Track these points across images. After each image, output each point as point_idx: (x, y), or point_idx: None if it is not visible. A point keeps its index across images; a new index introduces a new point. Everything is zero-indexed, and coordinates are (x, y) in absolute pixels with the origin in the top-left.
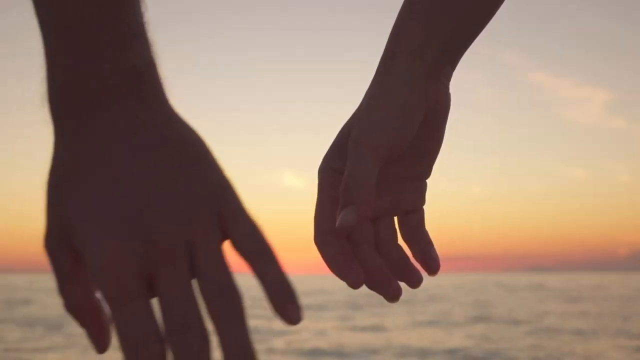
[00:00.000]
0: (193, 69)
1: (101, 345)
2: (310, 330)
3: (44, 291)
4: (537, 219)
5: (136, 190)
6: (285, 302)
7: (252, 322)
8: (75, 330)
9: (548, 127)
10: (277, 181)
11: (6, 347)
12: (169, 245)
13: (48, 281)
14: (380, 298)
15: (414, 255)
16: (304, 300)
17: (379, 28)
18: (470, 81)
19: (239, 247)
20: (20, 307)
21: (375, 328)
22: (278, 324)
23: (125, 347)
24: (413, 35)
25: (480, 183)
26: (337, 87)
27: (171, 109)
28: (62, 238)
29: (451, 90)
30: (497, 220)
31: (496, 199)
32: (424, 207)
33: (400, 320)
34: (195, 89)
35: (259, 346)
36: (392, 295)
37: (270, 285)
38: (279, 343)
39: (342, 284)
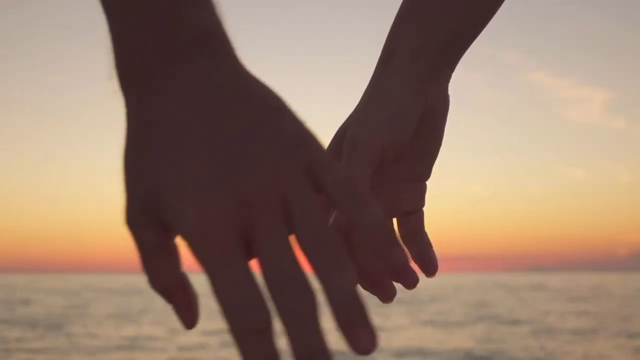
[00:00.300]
0: None
1: (190, 321)
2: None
3: (44, 291)
4: (537, 219)
5: (223, 150)
6: (385, 246)
7: None
8: (75, 331)
9: (548, 127)
10: None
11: (6, 347)
12: (264, 201)
13: (48, 281)
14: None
15: (412, 257)
16: None
17: (379, 28)
18: (470, 81)
19: (332, 192)
20: (20, 307)
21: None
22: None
23: (229, 313)
24: (411, 35)
25: (480, 183)
26: (337, 87)
27: (243, 65)
28: (148, 212)
29: (451, 91)
30: (497, 220)
31: (496, 199)
32: (424, 208)
33: (401, 320)
34: None
35: None
36: (387, 296)
37: (367, 230)
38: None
39: None
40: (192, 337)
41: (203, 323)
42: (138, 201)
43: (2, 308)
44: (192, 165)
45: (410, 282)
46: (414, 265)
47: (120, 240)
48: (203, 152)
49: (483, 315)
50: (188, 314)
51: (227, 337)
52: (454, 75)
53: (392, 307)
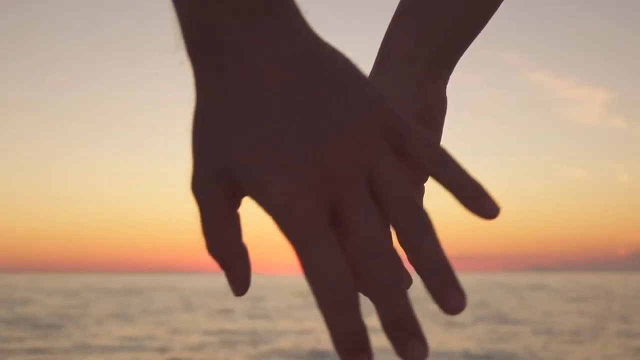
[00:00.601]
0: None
1: (240, 289)
2: (312, 331)
3: (44, 291)
4: (537, 219)
5: (305, 123)
6: (477, 196)
7: (253, 323)
8: (76, 331)
9: (548, 127)
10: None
11: (6, 348)
12: (349, 173)
13: (48, 281)
14: None
15: (408, 259)
16: (305, 300)
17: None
18: (470, 82)
19: (416, 154)
20: (20, 307)
21: (376, 329)
22: (278, 325)
23: (319, 288)
24: (406, 37)
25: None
26: None
27: (316, 32)
28: (221, 182)
29: (451, 91)
30: (497, 220)
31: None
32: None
33: None
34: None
35: (262, 347)
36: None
37: (456, 184)
38: (285, 343)
39: None
40: (192, 337)
41: (204, 323)
42: (211, 170)
43: (2, 308)
44: (276, 139)
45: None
46: (409, 267)
47: (120, 240)
48: (286, 125)
49: (483, 315)
50: (239, 283)
51: (227, 338)
52: (454, 75)
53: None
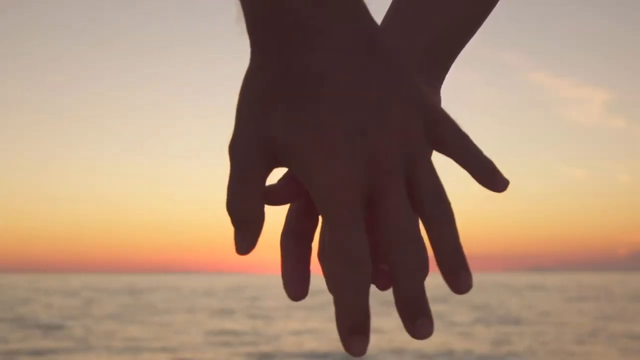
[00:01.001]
0: (194, 69)
1: (245, 248)
2: (312, 331)
3: (44, 291)
4: (537, 219)
5: (358, 110)
6: (493, 175)
7: (254, 323)
8: (76, 331)
9: (548, 127)
10: (275, 180)
11: (6, 348)
12: (391, 162)
13: (48, 281)
14: (379, 298)
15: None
16: (307, 300)
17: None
18: (470, 81)
19: (449, 142)
20: (20, 307)
21: (376, 330)
22: (279, 326)
23: (342, 265)
24: (395, 37)
25: None
26: None
27: (378, 27)
28: (263, 149)
29: (451, 90)
30: (497, 220)
31: (496, 199)
32: None
33: (400, 320)
34: (196, 88)
35: (263, 347)
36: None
37: (478, 168)
38: (285, 344)
39: None
40: (192, 337)
41: (204, 323)
42: (255, 135)
43: (2, 308)
44: (329, 124)
45: (383, 284)
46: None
47: (120, 240)
48: (340, 111)
49: (484, 315)
50: (246, 243)
51: (228, 338)
52: (454, 75)
53: (392, 307)
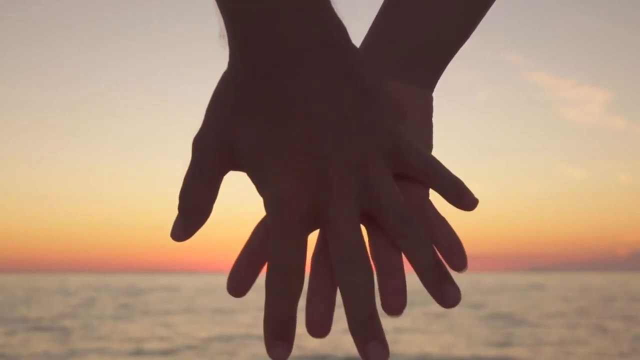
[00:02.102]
0: (194, 69)
1: (180, 235)
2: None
3: (44, 291)
4: (537, 219)
5: (320, 133)
6: (462, 194)
7: (254, 323)
8: (74, 332)
9: (548, 127)
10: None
11: (6, 348)
12: (344, 188)
13: (48, 281)
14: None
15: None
16: (305, 301)
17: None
18: (470, 81)
19: (415, 171)
20: (20, 307)
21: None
22: None
23: (276, 271)
24: (380, 41)
25: (480, 183)
26: None
27: (358, 54)
28: (221, 149)
29: (451, 90)
30: (497, 220)
31: (496, 199)
32: None
33: (399, 322)
34: (196, 88)
35: (262, 347)
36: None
37: (447, 189)
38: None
39: None
40: (193, 337)
41: (204, 323)
42: (218, 137)
43: (2, 308)
44: (288, 142)
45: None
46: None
47: (120, 240)
48: (302, 131)
49: (484, 315)
50: (184, 232)
51: (228, 338)
52: (454, 75)
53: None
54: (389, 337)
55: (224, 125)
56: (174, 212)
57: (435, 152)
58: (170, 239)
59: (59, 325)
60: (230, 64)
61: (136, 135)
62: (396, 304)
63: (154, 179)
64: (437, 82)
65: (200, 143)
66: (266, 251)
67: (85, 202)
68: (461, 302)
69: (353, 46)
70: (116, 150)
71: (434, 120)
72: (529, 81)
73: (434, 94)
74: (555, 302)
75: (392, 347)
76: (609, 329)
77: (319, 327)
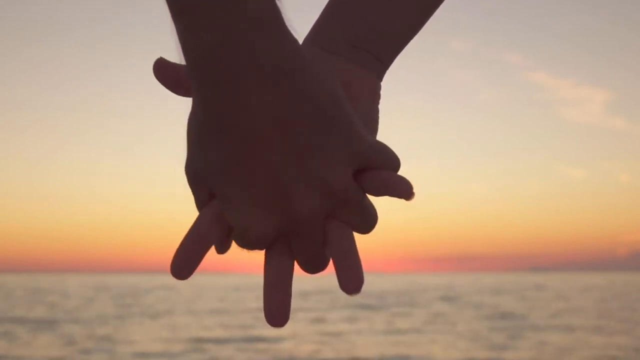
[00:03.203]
0: None
1: (222, 250)
2: (319, 333)
3: (44, 291)
4: (537, 219)
5: (278, 168)
6: (408, 191)
7: (254, 323)
8: (74, 333)
9: (548, 127)
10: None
11: (5, 348)
12: (308, 215)
13: (48, 281)
14: (386, 299)
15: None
16: (307, 301)
17: None
18: (470, 81)
19: (376, 189)
20: (20, 307)
21: (388, 332)
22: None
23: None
24: (322, 30)
25: (480, 183)
26: None
27: (314, 76)
28: (198, 181)
29: (452, 90)
30: (497, 220)
31: (496, 199)
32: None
33: (400, 323)
34: None
35: (261, 346)
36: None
37: (394, 188)
38: (286, 346)
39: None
40: (193, 337)
41: (204, 323)
42: (191, 171)
43: (2, 308)
44: (252, 175)
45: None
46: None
47: (120, 240)
48: (263, 165)
49: (484, 315)
50: (218, 248)
51: (228, 338)
52: (454, 74)
53: (390, 309)
54: (390, 338)
55: (194, 160)
56: (174, 212)
57: (436, 152)
58: (170, 238)
59: (59, 326)
60: (193, 100)
61: (136, 135)
62: (352, 282)
63: (154, 179)
64: (386, 70)
65: (186, 174)
66: (213, 236)
67: (85, 202)
68: (462, 303)
69: (309, 68)
70: (116, 150)
71: (436, 120)
72: (529, 81)
73: (433, 94)
74: (555, 302)
75: (393, 348)
76: (610, 328)
77: (278, 316)
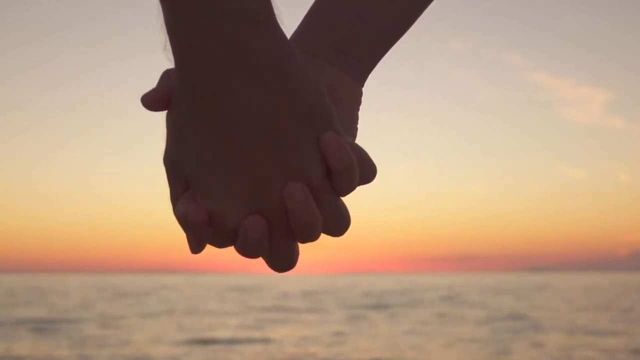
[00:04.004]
0: None
1: (194, 248)
2: (320, 334)
3: (44, 292)
4: (537, 219)
5: (256, 159)
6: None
7: (253, 324)
8: (74, 333)
9: (548, 127)
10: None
11: (5, 349)
12: (283, 214)
13: (47, 281)
14: (393, 299)
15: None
16: (307, 302)
17: None
18: (470, 81)
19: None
20: (20, 308)
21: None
22: (280, 328)
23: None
24: (308, 33)
25: (480, 183)
26: None
27: (302, 74)
28: (175, 170)
29: (452, 90)
30: (497, 220)
31: (496, 199)
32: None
33: (401, 323)
34: None
35: (260, 347)
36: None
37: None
38: (286, 347)
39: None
40: (195, 338)
41: (204, 323)
42: (171, 162)
43: (2, 309)
44: (232, 165)
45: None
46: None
47: (120, 240)
48: (242, 157)
49: (485, 315)
50: (194, 244)
51: (229, 338)
52: (454, 74)
53: (389, 309)
54: (392, 340)
55: (171, 149)
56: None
57: (436, 152)
58: (170, 238)
59: (59, 326)
60: (176, 91)
61: (136, 135)
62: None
63: (154, 179)
64: (368, 75)
65: (164, 161)
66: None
67: (85, 202)
68: (461, 303)
69: (300, 65)
70: (116, 150)
71: (436, 120)
72: (529, 81)
73: (433, 94)
74: (555, 302)
75: (393, 350)
76: (609, 328)
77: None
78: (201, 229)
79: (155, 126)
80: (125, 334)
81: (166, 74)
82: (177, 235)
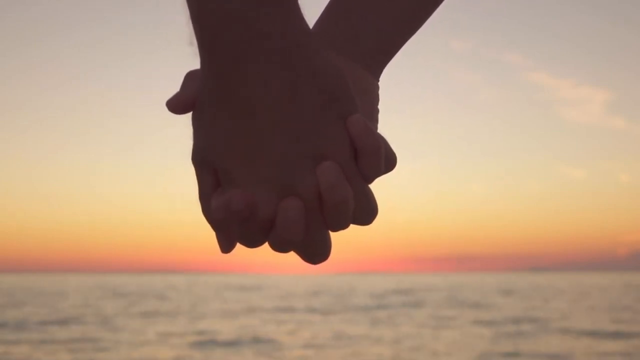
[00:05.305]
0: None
1: (225, 247)
2: (320, 334)
3: (44, 292)
4: (537, 219)
5: (281, 141)
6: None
7: (253, 324)
8: (74, 333)
9: (548, 127)
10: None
11: (5, 349)
12: (311, 200)
13: (48, 281)
14: (398, 299)
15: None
16: (309, 301)
17: None
18: (471, 81)
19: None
20: (19, 307)
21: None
22: (281, 328)
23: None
24: (331, 21)
25: (480, 183)
26: None
27: (323, 58)
28: (204, 166)
29: (452, 91)
30: (497, 220)
31: (496, 199)
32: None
33: (402, 324)
34: None
35: (261, 347)
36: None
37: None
38: (286, 349)
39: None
40: (195, 338)
41: (204, 323)
42: (198, 156)
43: (2, 309)
44: (254, 152)
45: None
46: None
47: (120, 240)
48: (265, 144)
49: (485, 315)
50: (224, 243)
51: (229, 338)
52: (455, 75)
53: (388, 310)
54: (393, 342)
55: (201, 143)
56: (174, 212)
57: (436, 152)
58: (170, 238)
59: (59, 326)
60: (202, 86)
61: (136, 135)
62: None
63: (154, 179)
64: (382, 70)
65: (192, 159)
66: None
67: (85, 202)
68: (462, 303)
69: (318, 50)
70: (116, 150)
71: (436, 120)
72: (529, 81)
73: (433, 94)
74: (555, 302)
75: (394, 351)
76: (609, 328)
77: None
78: (235, 224)
79: (155, 126)
80: (125, 334)
81: (189, 76)
82: (177, 235)
